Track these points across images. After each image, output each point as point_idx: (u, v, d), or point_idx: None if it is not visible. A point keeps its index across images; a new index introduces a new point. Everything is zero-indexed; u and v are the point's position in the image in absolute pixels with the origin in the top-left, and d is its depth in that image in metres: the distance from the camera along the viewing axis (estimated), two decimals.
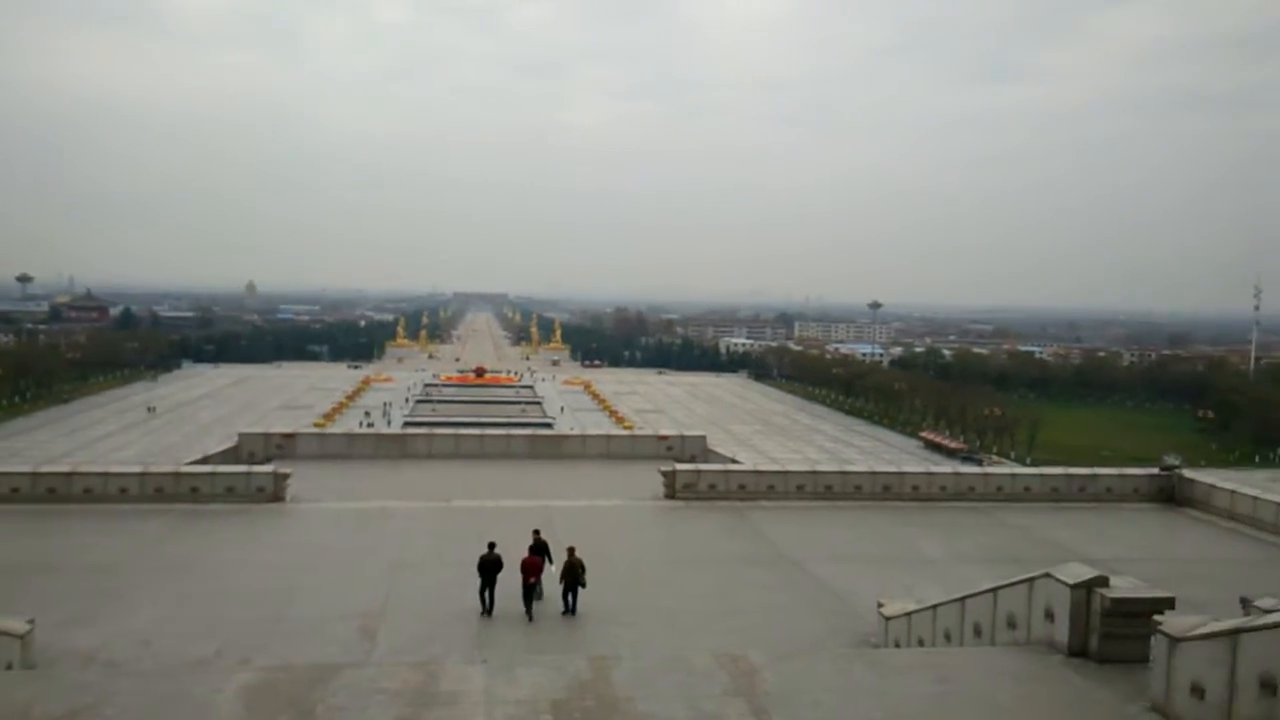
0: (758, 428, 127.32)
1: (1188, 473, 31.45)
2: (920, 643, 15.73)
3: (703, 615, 18.94)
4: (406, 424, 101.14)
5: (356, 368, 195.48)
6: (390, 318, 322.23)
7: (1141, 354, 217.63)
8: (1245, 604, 14.32)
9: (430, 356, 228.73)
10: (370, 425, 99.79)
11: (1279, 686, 8.94)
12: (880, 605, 17.40)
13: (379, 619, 17.96)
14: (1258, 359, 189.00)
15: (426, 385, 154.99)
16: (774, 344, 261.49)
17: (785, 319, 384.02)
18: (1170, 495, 30.55)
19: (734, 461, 34.57)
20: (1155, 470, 31.57)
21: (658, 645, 16.69)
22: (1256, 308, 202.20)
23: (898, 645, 16.39)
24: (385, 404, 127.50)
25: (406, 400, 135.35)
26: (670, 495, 28.92)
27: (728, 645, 14.23)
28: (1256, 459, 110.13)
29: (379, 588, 19.83)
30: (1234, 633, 9.59)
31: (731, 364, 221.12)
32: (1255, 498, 28.26)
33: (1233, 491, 29.05)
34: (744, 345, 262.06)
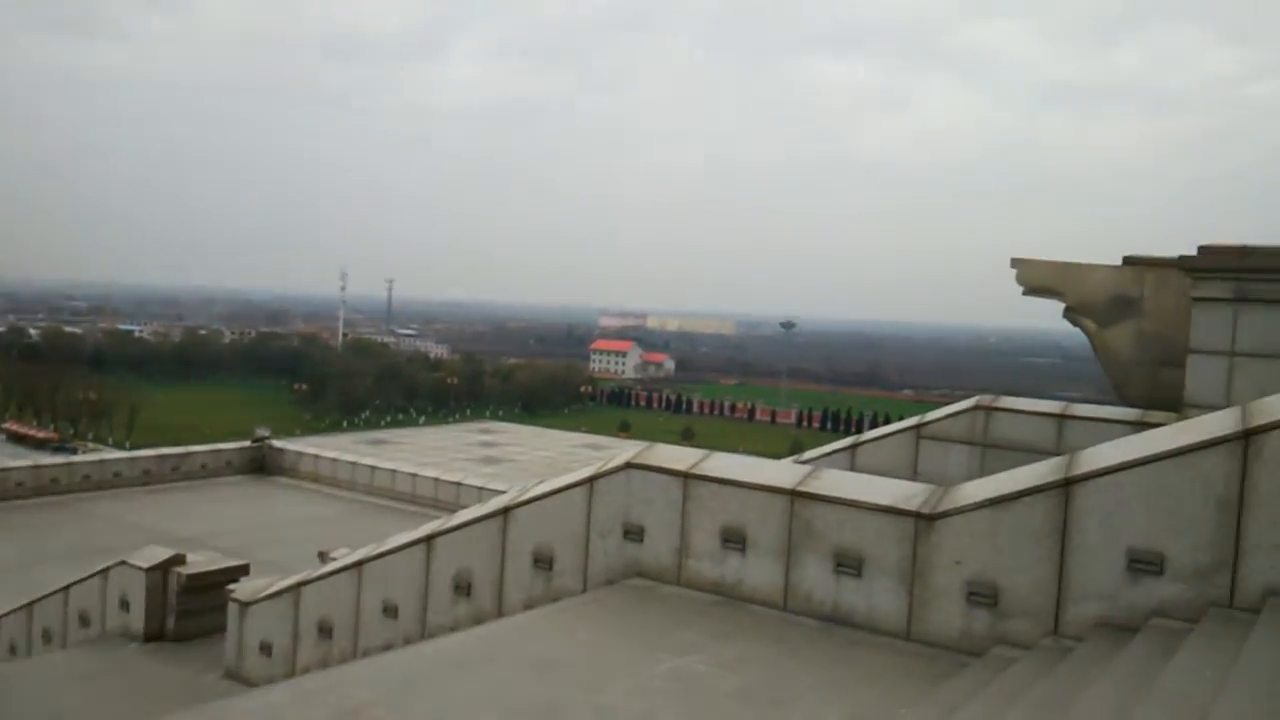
0: None
1: (277, 442, 33.63)
2: None
3: None
4: None
5: None
6: None
7: (242, 332, 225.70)
8: (322, 557, 15.73)
9: None
10: None
11: (334, 628, 9.88)
12: None
13: None
14: (345, 335, 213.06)
15: None
16: None
17: None
18: (262, 465, 32.21)
19: None
20: (247, 443, 32.96)
21: None
22: (343, 288, 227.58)
23: None
24: None
25: None
26: None
27: None
28: (344, 424, 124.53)
29: None
30: (296, 587, 10.30)
31: None
32: (334, 459, 31.74)
33: (316, 456, 32.10)
34: None
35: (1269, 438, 5.41)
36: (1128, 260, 12.02)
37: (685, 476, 7.15)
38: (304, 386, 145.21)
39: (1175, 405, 10.63)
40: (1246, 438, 5.45)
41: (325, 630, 9.96)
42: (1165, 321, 11.70)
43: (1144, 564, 5.55)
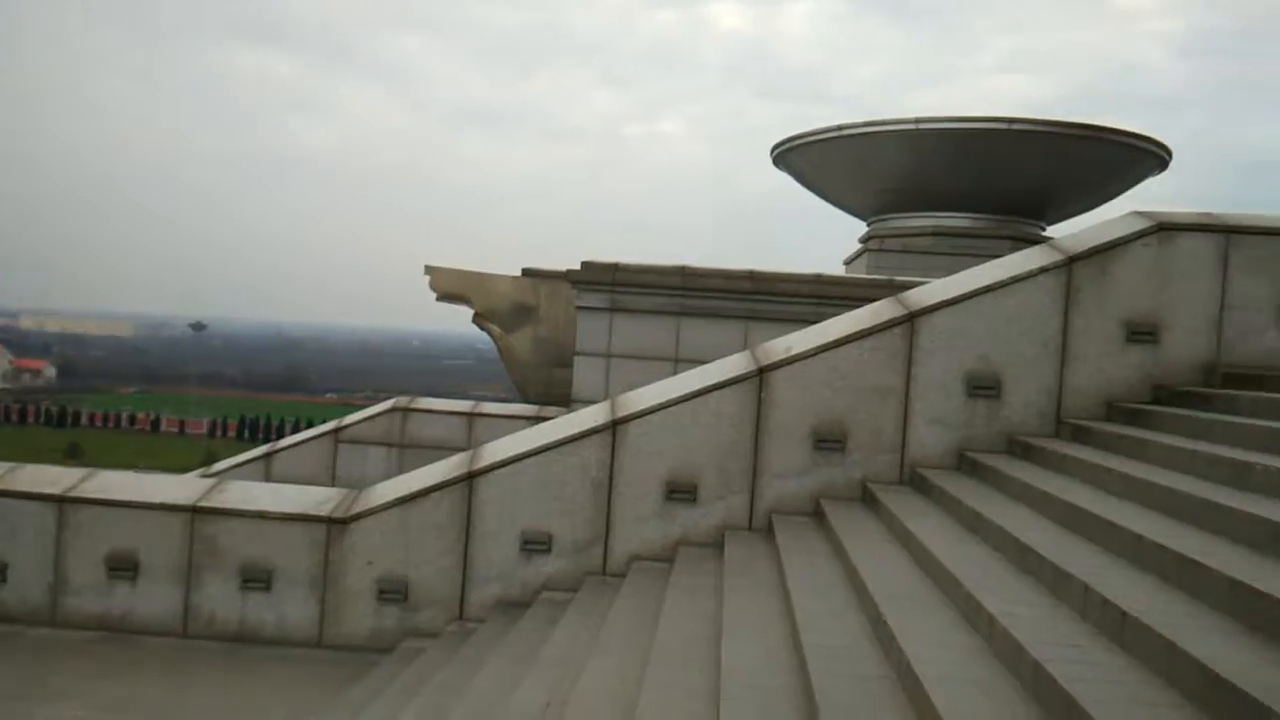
0: None
1: None
2: None
3: None
4: None
5: None
6: None
7: None
8: None
9: None
10: None
11: None
12: None
13: None
14: None
15: None
16: None
17: None
18: None
19: None
20: None
21: None
22: None
23: None
24: None
25: None
26: None
27: None
28: None
29: None
30: None
31: None
32: None
33: None
34: None
35: (630, 426, 6.36)
36: (526, 272, 13.28)
37: (61, 501, 6.22)
38: None
39: (566, 401, 11.99)
40: (614, 427, 6.35)
41: None
42: (557, 327, 13.15)
43: (535, 544, 6.16)
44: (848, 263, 19.06)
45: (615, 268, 11.71)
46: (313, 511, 6.19)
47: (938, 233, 17.19)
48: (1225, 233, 6.35)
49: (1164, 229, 6.37)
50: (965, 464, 6.29)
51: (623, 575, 6.09)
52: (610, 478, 6.33)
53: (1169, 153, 17.13)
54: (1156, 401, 6.23)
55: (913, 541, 4.87)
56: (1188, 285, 6.36)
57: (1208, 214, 6.50)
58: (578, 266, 11.90)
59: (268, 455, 12.08)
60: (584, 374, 11.80)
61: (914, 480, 6.31)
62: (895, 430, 6.44)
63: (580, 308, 11.91)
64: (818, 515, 6.18)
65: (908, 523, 5.12)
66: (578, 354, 11.91)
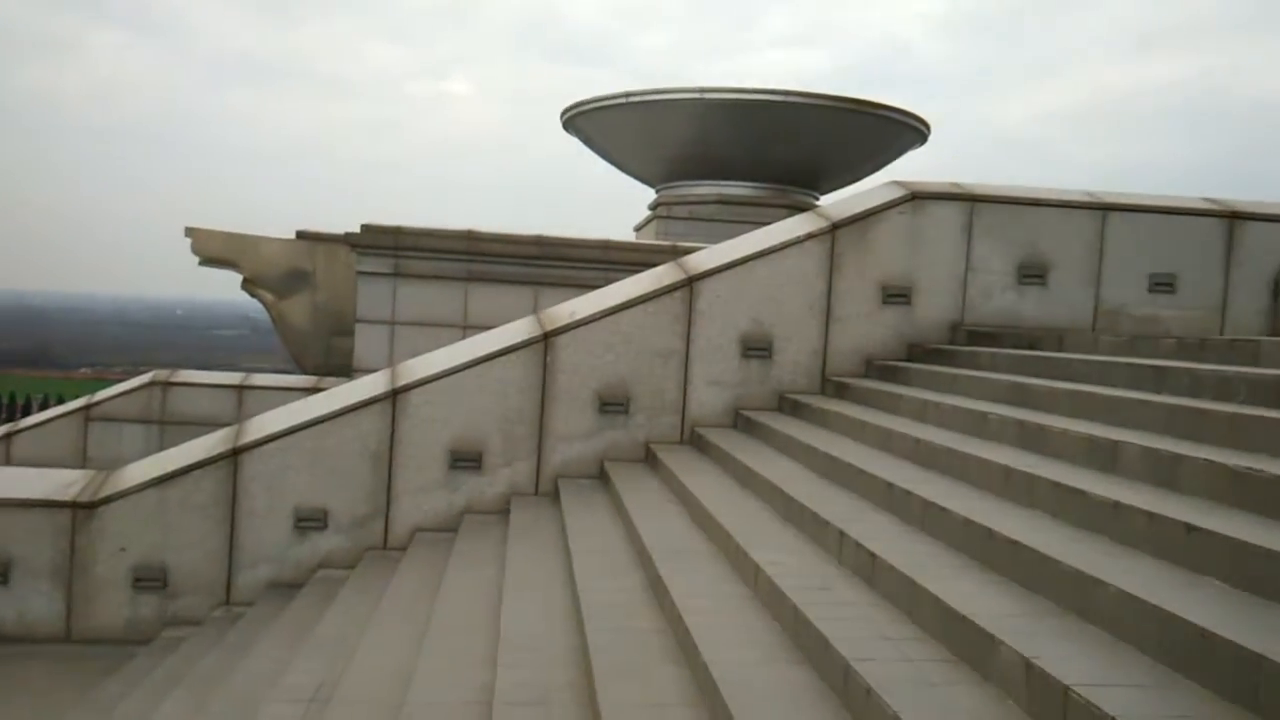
0: None
1: None
2: None
3: None
4: None
5: None
6: None
7: None
8: None
9: None
10: None
11: None
12: None
13: None
14: None
15: None
16: None
17: None
18: None
19: None
20: None
21: None
22: None
23: None
24: None
25: None
26: None
27: None
28: None
29: None
30: None
31: None
32: None
33: None
34: None
35: (411, 395, 6.18)
36: (300, 235, 12.60)
37: None
38: None
39: (347, 371, 11.52)
40: (394, 396, 6.15)
41: None
42: (336, 293, 12.58)
43: (309, 521, 5.88)
44: (638, 229, 19.35)
45: (398, 231, 11.33)
46: (56, 496, 5.64)
47: (722, 200, 17.72)
48: (970, 201, 6.90)
49: (917, 198, 6.84)
50: (741, 422, 6.54)
51: (405, 549, 5.93)
52: (391, 449, 6.14)
53: (928, 127, 18.41)
54: (910, 359, 6.71)
55: (690, 499, 5.02)
56: (937, 250, 6.87)
57: (955, 184, 7.03)
58: (358, 230, 11.41)
59: (6, 437, 10.91)
60: (366, 343, 11.37)
61: (694, 439, 6.50)
62: (677, 391, 6.61)
63: (361, 273, 11.45)
64: (603, 477, 6.25)
65: (686, 480, 5.27)
66: (359, 322, 11.46)
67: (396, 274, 11.46)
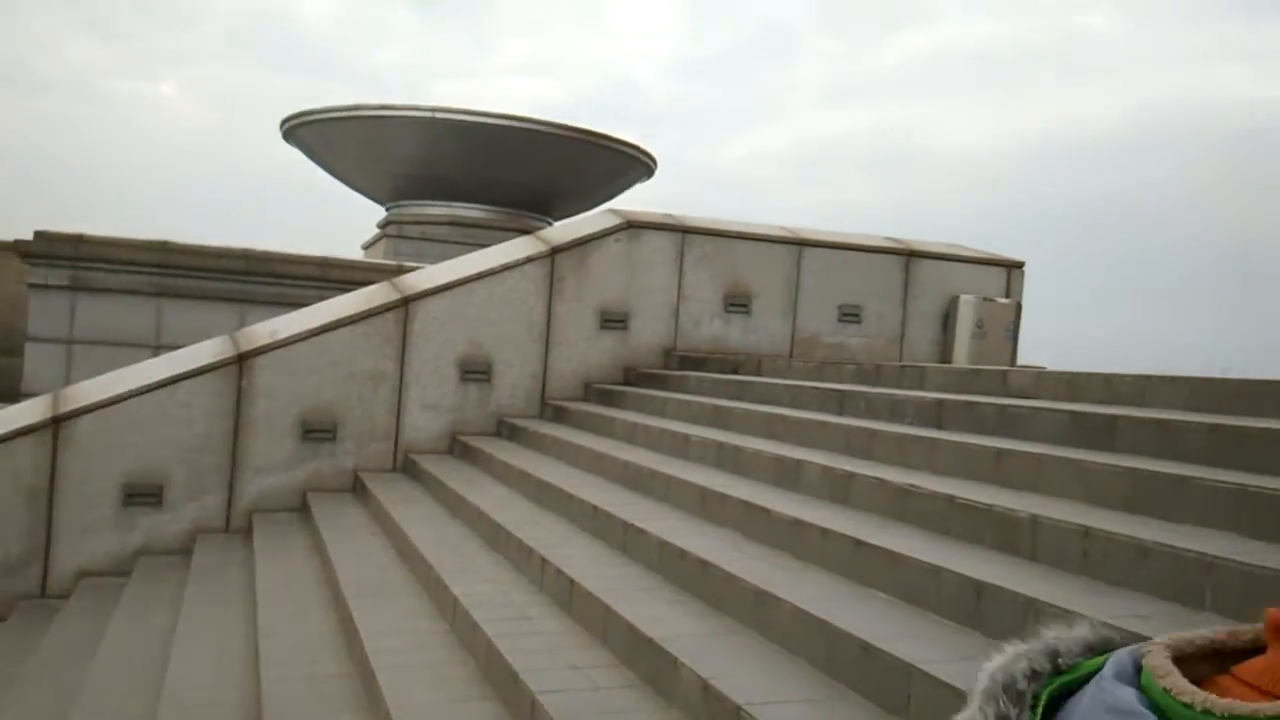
0: None
1: None
2: None
3: None
4: None
5: None
6: None
7: None
8: None
9: None
10: None
11: None
12: None
13: None
14: None
15: None
16: None
17: None
18: None
19: None
20: None
21: None
22: None
23: None
24: None
25: None
26: None
27: None
28: None
29: None
30: None
31: None
32: None
33: None
34: None
35: (79, 422, 5.48)
36: None
37: None
38: None
39: (14, 395, 10.12)
40: (56, 424, 5.42)
41: None
42: (3, 307, 11.06)
43: None
44: (366, 247, 18.61)
45: (79, 239, 10.14)
46: None
47: (454, 222, 17.44)
48: (682, 232, 7.15)
49: (633, 226, 6.99)
50: (457, 447, 6.35)
51: (68, 596, 5.22)
52: (51, 483, 5.40)
53: (655, 161, 19.13)
54: (626, 382, 6.82)
55: (396, 531, 4.77)
56: (652, 277, 7.05)
57: (669, 215, 7.27)
58: (30, 236, 10.10)
59: None
60: (38, 363, 10.05)
61: (408, 466, 6.23)
62: (389, 416, 6.31)
63: (33, 285, 10.13)
64: (304, 510, 5.83)
65: (393, 511, 5.01)
66: (30, 339, 10.12)
67: (76, 287, 10.24)
